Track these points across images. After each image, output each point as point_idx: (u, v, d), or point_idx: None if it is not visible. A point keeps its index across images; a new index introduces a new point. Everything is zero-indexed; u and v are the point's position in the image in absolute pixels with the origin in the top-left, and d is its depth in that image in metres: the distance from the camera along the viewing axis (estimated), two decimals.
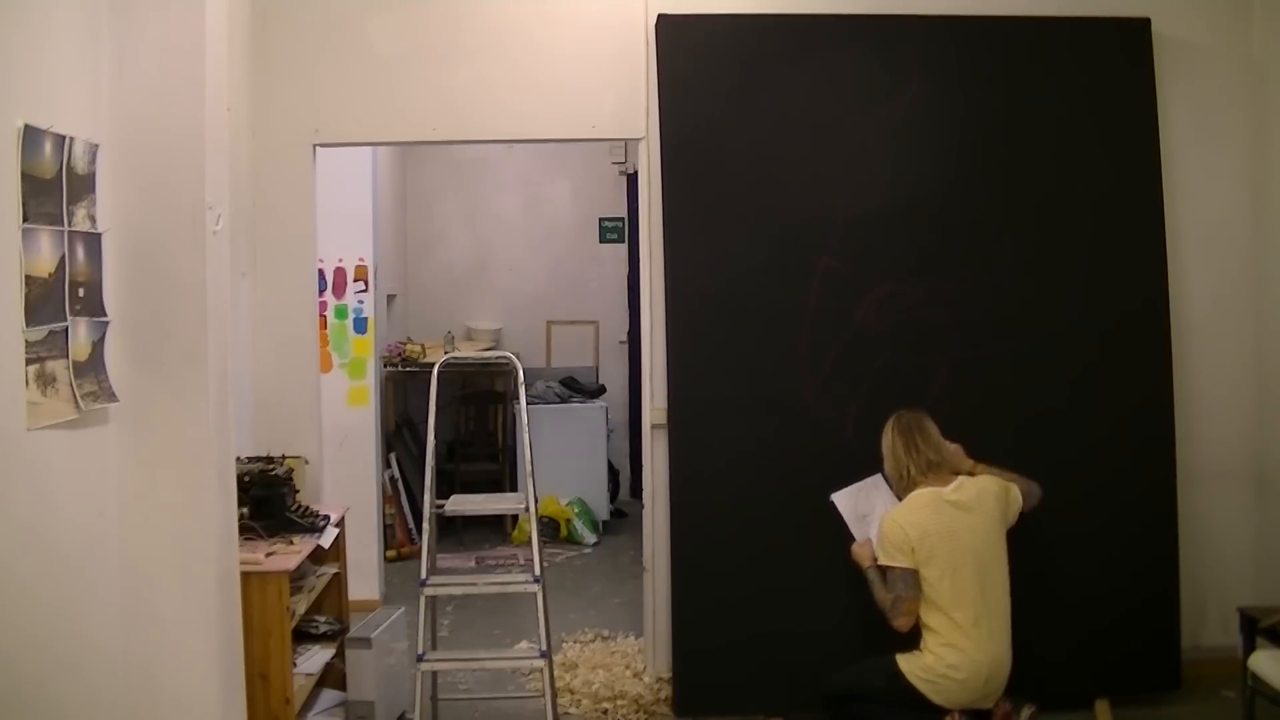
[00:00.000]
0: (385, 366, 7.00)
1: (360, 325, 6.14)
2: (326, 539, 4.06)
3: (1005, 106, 4.58)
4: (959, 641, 3.70)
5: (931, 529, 3.75)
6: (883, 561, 3.83)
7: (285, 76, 4.58)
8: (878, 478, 4.19)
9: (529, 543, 4.12)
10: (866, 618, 4.31)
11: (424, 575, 4.00)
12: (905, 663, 3.77)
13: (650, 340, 4.63)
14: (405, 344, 7.55)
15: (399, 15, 4.61)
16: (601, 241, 8.58)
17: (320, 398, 4.82)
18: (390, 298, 7.36)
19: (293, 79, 4.58)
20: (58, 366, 2.81)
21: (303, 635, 4.07)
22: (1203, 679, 4.51)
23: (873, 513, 4.14)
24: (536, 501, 4.14)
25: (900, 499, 3.94)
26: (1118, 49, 4.62)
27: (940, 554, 3.73)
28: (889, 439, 3.98)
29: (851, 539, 4.12)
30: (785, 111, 4.51)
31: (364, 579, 5.57)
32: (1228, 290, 4.76)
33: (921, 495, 3.84)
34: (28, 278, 2.67)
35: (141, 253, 3.14)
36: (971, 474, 3.94)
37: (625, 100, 4.62)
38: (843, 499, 4.22)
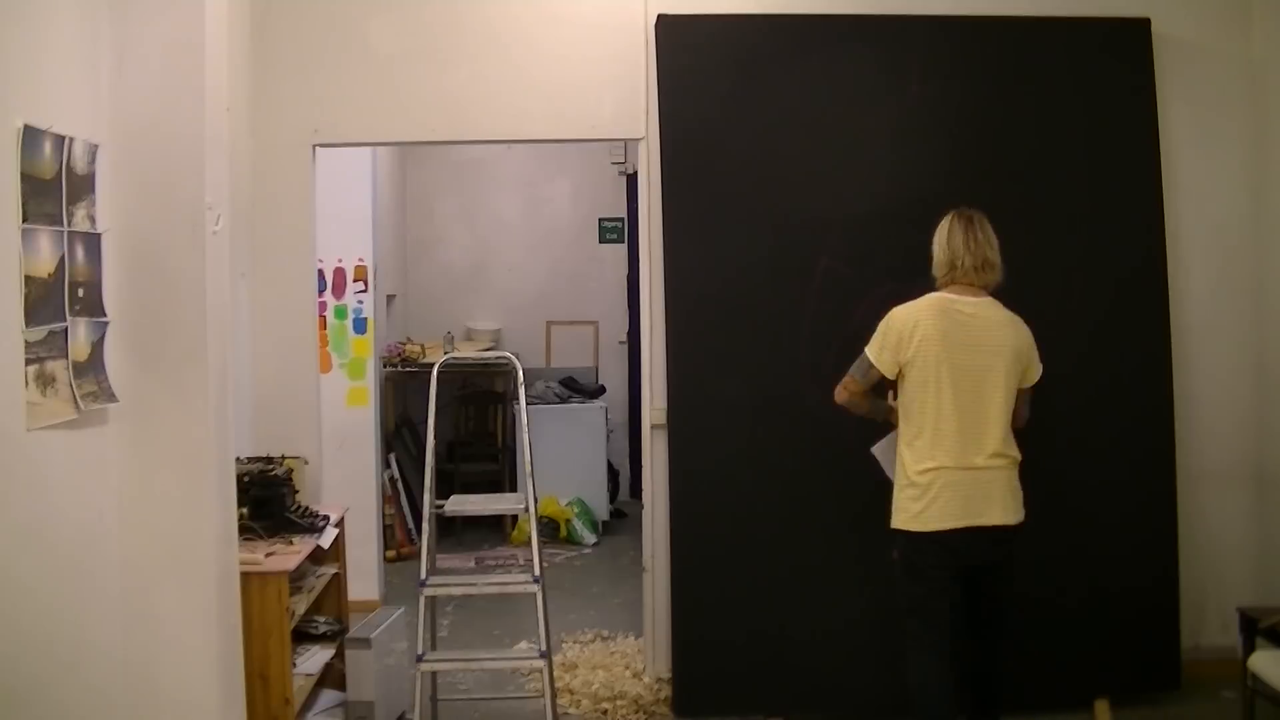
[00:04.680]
0: (385, 367, 6.99)
1: (360, 325, 6.14)
2: (326, 539, 4.07)
3: (1005, 106, 4.57)
4: (933, 450, 3.55)
5: (929, 330, 3.59)
6: (867, 348, 3.69)
7: (285, 76, 4.57)
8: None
9: (529, 543, 4.12)
10: (867, 618, 4.31)
11: (424, 575, 4.00)
12: (894, 519, 3.64)
13: (650, 340, 4.63)
14: (405, 344, 7.55)
15: (399, 15, 4.61)
16: (601, 241, 8.58)
17: (320, 398, 4.82)
18: (390, 298, 7.36)
19: (293, 79, 4.58)
20: (57, 367, 2.81)
21: (302, 635, 4.07)
22: (1203, 679, 4.51)
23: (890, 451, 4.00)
24: (536, 502, 4.14)
25: None
26: (1118, 49, 4.62)
27: (928, 357, 3.57)
28: (945, 228, 3.75)
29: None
30: (785, 111, 4.51)
31: (364, 579, 5.57)
32: (1228, 290, 4.76)
33: (933, 296, 3.67)
34: (27, 278, 2.67)
35: (141, 253, 3.13)
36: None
37: (625, 100, 4.62)
38: (880, 451, 4.04)
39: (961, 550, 3.59)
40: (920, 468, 3.60)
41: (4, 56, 2.63)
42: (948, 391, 3.58)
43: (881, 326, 3.72)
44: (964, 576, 3.66)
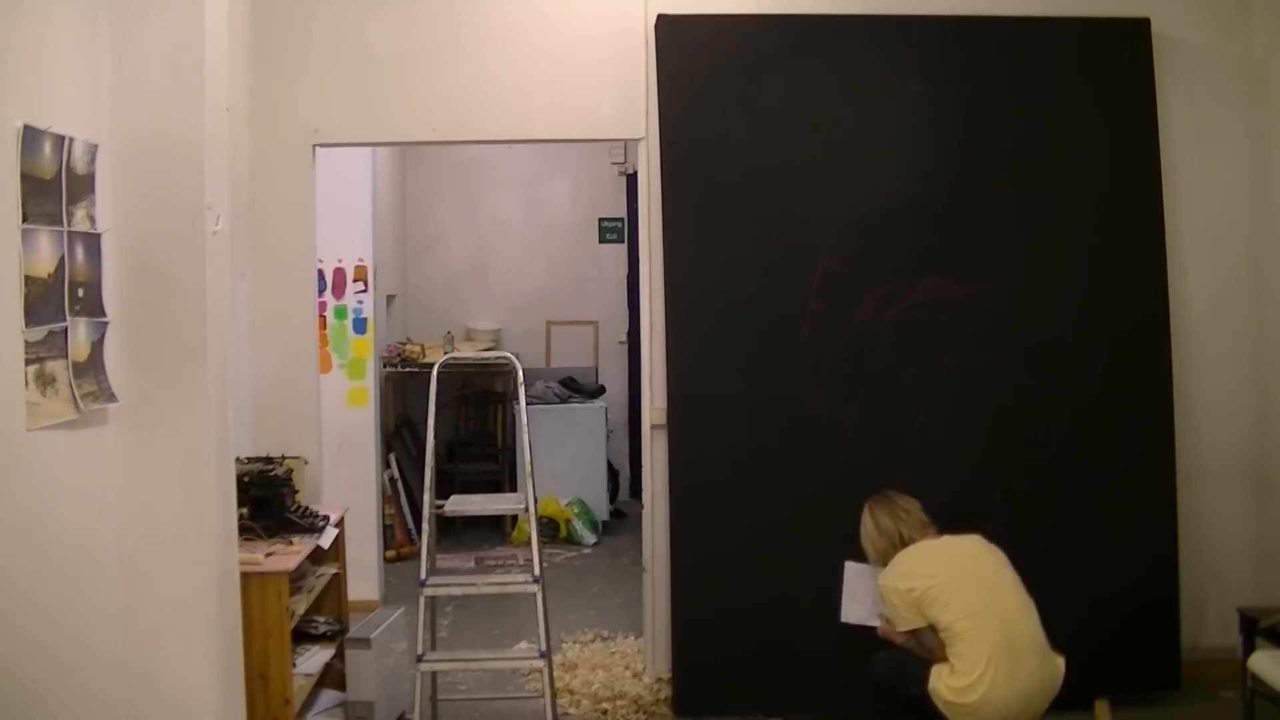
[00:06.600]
0: (385, 367, 6.99)
1: (360, 325, 6.14)
2: (326, 539, 4.07)
3: (1005, 107, 4.58)
4: (981, 676, 3.50)
5: (928, 572, 3.66)
6: (901, 629, 3.72)
7: (285, 76, 4.57)
8: (849, 566, 4.15)
9: (528, 543, 4.12)
10: None
11: (423, 575, 4.00)
12: (935, 680, 3.61)
13: (650, 340, 4.63)
14: (405, 344, 7.55)
15: (398, 15, 4.61)
16: (601, 242, 8.58)
17: (320, 398, 4.82)
18: (390, 298, 7.36)
19: (292, 79, 4.58)
20: (57, 367, 2.81)
21: (302, 635, 4.07)
22: (1203, 679, 4.52)
23: (859, 593, 4.11)
24: (536, 502, 4.13)
25: None
26: (1118, 49, 4.62)
27: (944, 593, 3.60)
28: (870, 521, 3.90)
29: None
30: (785, 111, 4.51)
31: (364, 579, 5.57)
32: (1228, 290, 4.76)
33: (908, 550, 3.78)
34: (27, 278, 2.67)
35: (141, 253, 3.13)
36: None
37: (625, 100, 4.62)
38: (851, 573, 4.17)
39: None
40: (963, 684, 3.55)
41: (4, 56, 2.63)
42: (974, 608, 3.58)
43: (888, 609, 3.75)
44: None
